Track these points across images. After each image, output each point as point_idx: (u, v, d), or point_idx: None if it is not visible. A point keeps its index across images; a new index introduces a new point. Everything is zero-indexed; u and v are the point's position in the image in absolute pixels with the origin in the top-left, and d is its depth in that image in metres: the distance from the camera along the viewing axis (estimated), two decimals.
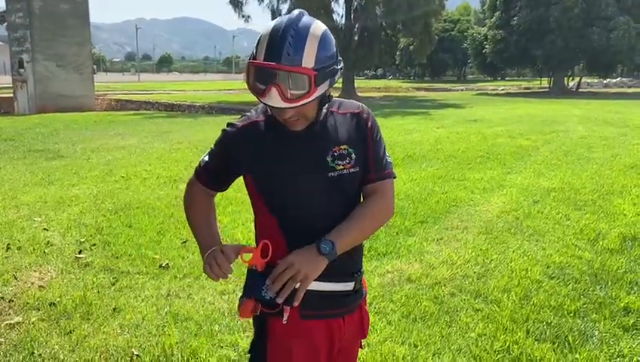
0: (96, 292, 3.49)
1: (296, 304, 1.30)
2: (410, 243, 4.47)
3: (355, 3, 28.09)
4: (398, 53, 47.40)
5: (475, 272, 3.85)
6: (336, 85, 1.48)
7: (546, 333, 2.97)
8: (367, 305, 1.73)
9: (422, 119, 15.65)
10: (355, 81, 32.34)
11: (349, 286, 1.46)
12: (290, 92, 1.25)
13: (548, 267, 3.96)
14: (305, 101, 1.27)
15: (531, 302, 3.36)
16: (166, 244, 4.44)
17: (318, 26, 1.30)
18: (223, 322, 3.09)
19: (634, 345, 2.85)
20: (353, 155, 1.41)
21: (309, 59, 1.25)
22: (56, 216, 5.27)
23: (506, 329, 3.00)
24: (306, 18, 1.30)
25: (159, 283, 3.66)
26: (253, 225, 1.53)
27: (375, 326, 3.01)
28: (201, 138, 11.00)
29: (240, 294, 1.35)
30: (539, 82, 47.85)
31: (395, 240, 4.53)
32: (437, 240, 4.57)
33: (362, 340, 1.62)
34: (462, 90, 40.47)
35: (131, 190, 6.41)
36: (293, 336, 1.39)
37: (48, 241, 4.50)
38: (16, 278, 3.73)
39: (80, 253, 4.22)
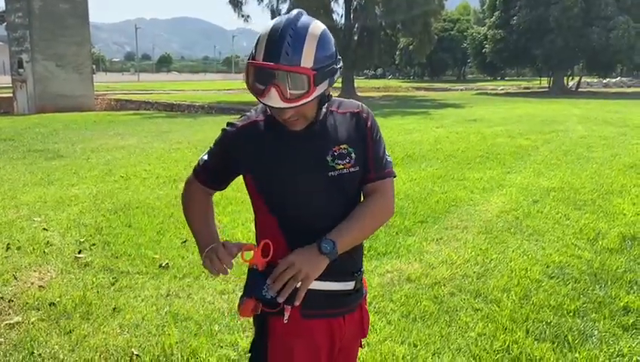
0: (96, 292, 3.49)
1: (297, 303, 1.30)
2: (410, 242, 4.47)
3: (355, 3, 28.09)
4: (397, 52, 47.43)
5: (474, 272, 3.85)
6: (335, 85, 1.48)
7: (545, 333, 2.97)
8: (367, 304, 1.73)
9: (421, 119, 15.66)
10: (355, 80, 32.34)
11: (349, 285, 1.46)
12: (290, 92, 1.25)
13: (547, 266, 3.96)
14: (304, 101, 1.27)
15: (531, 302, 3.36)
16: (166, 244, 4.44)
17: (317, 26, 1.30)
18: (223, 322, 3.09)
19: (633, 345, 2.85)
20: (353, 155, 1.41)
21: (307, 59, 1.25)
22: (55, 216, 5.27)
23: (506, 329, 3.00)
24: (305, 18, 1.30)
25: (159, 282, 3.66)
26: (253, 224, 1.53)
27: (375, 325, 3.02)
28: (200, 138, 11.00)
29: (240, 294, 1.34)
30: (538, 82, 47.81)
31: (395, 239, 4.53)
32: (437, 240, 4.57)
33: (362, 339, 1.62)
34: (461, 89, 40.44)
35: (131, 190, 6.41)
36: (294, 336, 1.39)
37: (48, 241, 4.50)
38: (16, 278, 3.73)
39: (80, 252, 4.22)
